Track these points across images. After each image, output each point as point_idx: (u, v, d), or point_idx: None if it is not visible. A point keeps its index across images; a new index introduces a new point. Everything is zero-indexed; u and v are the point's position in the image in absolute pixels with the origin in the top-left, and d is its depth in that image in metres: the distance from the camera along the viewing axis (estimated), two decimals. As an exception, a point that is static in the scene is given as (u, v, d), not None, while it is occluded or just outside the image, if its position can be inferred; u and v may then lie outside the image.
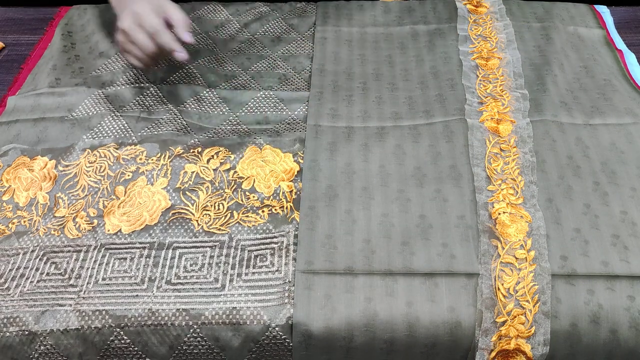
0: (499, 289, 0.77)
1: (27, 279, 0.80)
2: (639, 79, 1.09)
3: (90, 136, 0.99)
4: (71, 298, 0.78)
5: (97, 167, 0.94)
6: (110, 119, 1.02)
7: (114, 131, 1.00)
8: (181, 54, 0.92)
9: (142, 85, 1.08)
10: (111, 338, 0.76)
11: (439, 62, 1.11)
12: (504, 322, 0.75)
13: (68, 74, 1.11)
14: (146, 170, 0.94)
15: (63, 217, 0.88)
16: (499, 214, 0.84)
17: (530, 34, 1.18)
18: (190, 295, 0.78)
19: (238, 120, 1.02)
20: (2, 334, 0.76)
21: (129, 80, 1.09)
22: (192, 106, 1.05)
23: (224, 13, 1.28)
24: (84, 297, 0.78)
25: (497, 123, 0.98)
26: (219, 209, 0.88)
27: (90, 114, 1.03)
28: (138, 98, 1.06)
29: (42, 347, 0.76)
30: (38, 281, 0.80)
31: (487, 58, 1.12)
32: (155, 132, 1.00)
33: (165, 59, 1.10)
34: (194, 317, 0.76)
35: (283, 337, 0.76)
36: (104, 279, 0.79)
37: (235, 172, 0.93)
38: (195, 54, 1.16)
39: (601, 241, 0.81)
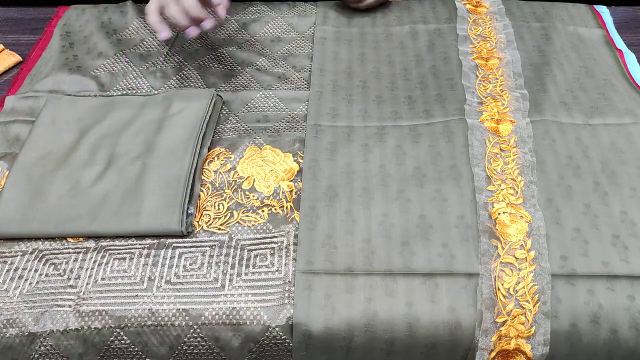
0: (499, 289, 0.77)
1: (26, 280, 0.80)
2: (639, 79, 1.09)
3: (89, 137, 0.99)
4: (70, 299, 0.78)
5: (96, 168, 0.94)
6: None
7: (113, 132, 1.00)
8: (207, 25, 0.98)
9: (141, 91, 1.08)
10: (111, 338, 0.76)
11: (438, 61, 1.11)
12: (504, 322, 0.75)
13: (67, 75, 1.10)
14: (146, 170, 0.93)
15: (62, 217, 0.88)
16: (499, 214, 0.84)
17: (529, 34, 1.18)
18: (190, 295, 0.77)
19: (238, 119, 1.02)
20: (1, 335, 0.76)
21: (128, 85, 1.09)
22: (192, 106, 1.05)
23: (224, 13, 1.27)
24: (83, 298, 0.78)
25: (497, 123, 0.98)
26: (219, 208, 0.88)
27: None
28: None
29: (42, 348, 0.76)
30: (37, 282, 0.79)
31: (486, 58, 1.12)
32: (155, 133, 1.00)
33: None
34: (194, 317, 0.76)
35: (283, 337, 0.76)
36: (103, 279, 0.79)
37: (236, 172, 0.93)
38: (194, 54, 1.16)
39: (601, 241, 0.81)
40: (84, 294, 0.78)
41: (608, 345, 0.75)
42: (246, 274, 0.79)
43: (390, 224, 0.84)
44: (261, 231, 0.85)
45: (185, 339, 0.76)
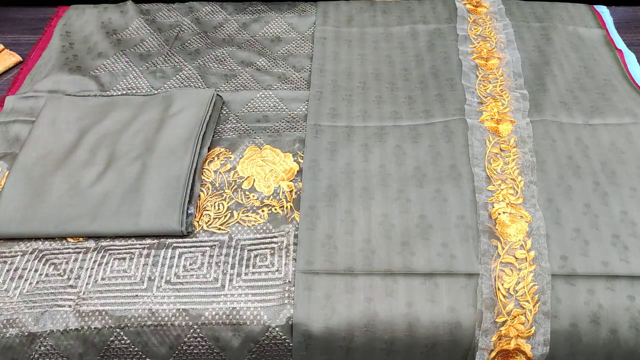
0: (499, 289, 0.77)
1: (26, 280, 0.80)
2: (639, 79, 1.09)
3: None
4: (70, 299, 0.78)
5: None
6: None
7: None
8: None
9: (141, 91, 1.08)
10: (111, 338, 0.76)
11: (438, 62, 1.11)
12: (504, 322, 0.75)
13: (67, 75, 1.10)
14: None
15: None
16: (499, 214, 0.84)
17: (530, 34, 1.18)
18: (190, 295, 0.77)
19: (237, 119, 1.02)
20: (1, 335, 0.76)
21: (128, 85, 1.09)
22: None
23: (222, 14, 1.28)
24: (83, 298, 0.77)
25: (497, 123, 0.98)
26: (219, 208, 0.88)
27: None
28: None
29: (42, 348, 0.76)
30: (37, 282, 0.79)
31: (486, 58, 1.12)
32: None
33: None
34: (194, 317, 0.76)
35: (283, 337, 0.76)
36: (103, 279, 0.79)
37: (236, 172, 0.93)
38: (194, 54, 1.16)
39: (601, 241, 0.81)
40: (84, 294, 0.78)
41: (608, 345, 0.75)
42: (246, 274, 0.79)
43: (390, 224, 0.84)
44: (261, 231, 0.85)
45: (185, 339, 0.76)
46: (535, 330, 0.75)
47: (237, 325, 0.75)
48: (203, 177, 0.92)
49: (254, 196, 0.90)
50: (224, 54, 1.16)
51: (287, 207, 0.88)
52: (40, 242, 0.84)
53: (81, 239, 0.84)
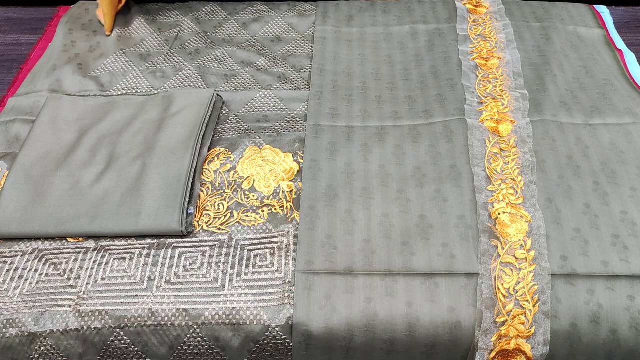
0: (499, 289, 0.77)
1: (26, 280, 0.80)
2: (639, 79, 1.09)
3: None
4: (70, 299, 0.78)
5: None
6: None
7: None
8: None
9: (141, 91, 1.08)
10: (111, 338, 0.76)
11: (438, 62, 1.12)
12: (504, 322, 0.75)
13: (68, 75, 1.11)
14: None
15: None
16: (499, 214, 0.84)
17: (529, 34, 1.18)
18: (190, 295, 0.77)
19: (238, 119, 1.02)
20: (1, 335, 0.76)
21: (128, 85, 1.09)
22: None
23: (222, 14, 1.28)
24: (83, 298, 0.77)
25: (497, 123, 0.98)
26: (219, 208, 0.88)
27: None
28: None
29: (42, 348, 0.76)
30: (37, 282, 0.79)
31: (486, 58, 1.12)
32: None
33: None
34: (194, 317, 0.76)
35: (283, 337, 0.76)
36: (103, 279, 0.79)
37: (236, 172, 0.93)
38: (194, 54, 1.16)
39: (601, 241, 0.81)
40: (84, 294, 0.78)
41: (608, 345, 0.75)
42: (246, 274, 0.79)
43: (390, 224, 0.84)
44: (261, 231, 0.85)
45: (185, 339, 0.76)
46: (535, 330, 0.75)
47: (237, 325, 0.75)
48: (203, 177, 0.92)
49: (254, 196, 0.90)
50: (224, 54, 1.16)
51: (287, 207, 0.88)
52: (40, 242, 0.84)
53: (81, 239, 0.84)
